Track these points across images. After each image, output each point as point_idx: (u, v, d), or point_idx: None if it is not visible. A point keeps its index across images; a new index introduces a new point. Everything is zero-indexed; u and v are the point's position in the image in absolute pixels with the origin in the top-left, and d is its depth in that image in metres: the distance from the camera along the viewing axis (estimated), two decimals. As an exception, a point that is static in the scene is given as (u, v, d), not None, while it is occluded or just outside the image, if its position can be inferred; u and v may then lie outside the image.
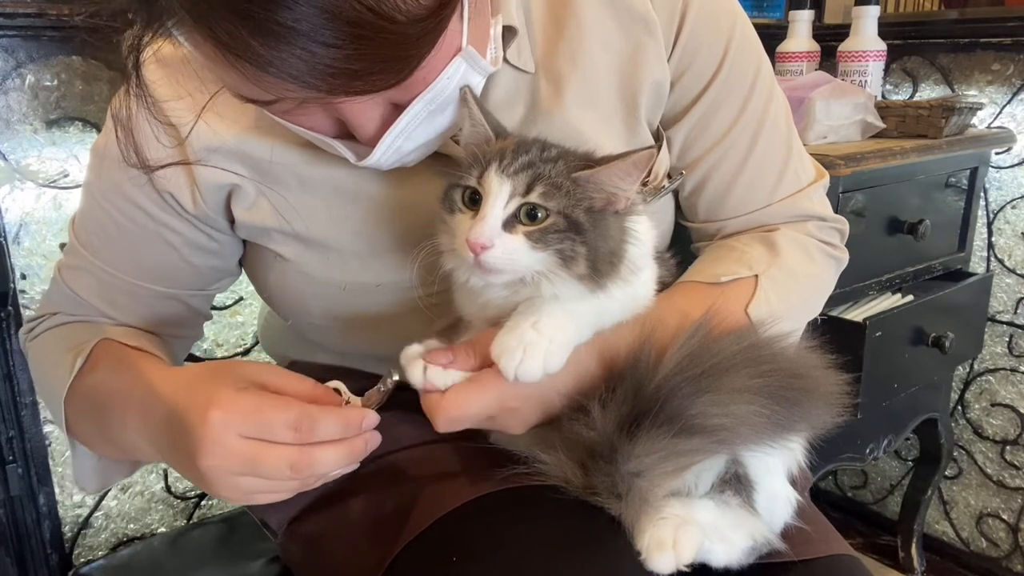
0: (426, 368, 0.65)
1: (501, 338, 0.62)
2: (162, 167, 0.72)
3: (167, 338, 0.86)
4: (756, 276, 0.76)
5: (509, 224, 0.61)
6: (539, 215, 0.61)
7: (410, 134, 0.64)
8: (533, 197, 0.61)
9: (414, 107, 0.62)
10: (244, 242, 0.84)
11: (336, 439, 0.61)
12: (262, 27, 0.48)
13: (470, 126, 0.66)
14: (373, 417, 0.63)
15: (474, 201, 0.62)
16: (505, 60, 0.73)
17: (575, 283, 0.63)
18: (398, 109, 0.63)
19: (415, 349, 0.67)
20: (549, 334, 0.62)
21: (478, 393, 0.64)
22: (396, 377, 0.66)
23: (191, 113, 0.71)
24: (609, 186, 0.63)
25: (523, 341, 0.61)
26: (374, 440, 0.64)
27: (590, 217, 0.62)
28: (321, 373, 0.71)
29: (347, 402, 0.66)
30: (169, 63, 0.70)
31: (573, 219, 0.62)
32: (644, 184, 0.78)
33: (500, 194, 0.61)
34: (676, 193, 0.86)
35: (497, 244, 0.60)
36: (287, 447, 0.59)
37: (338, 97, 0.54)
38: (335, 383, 0.67)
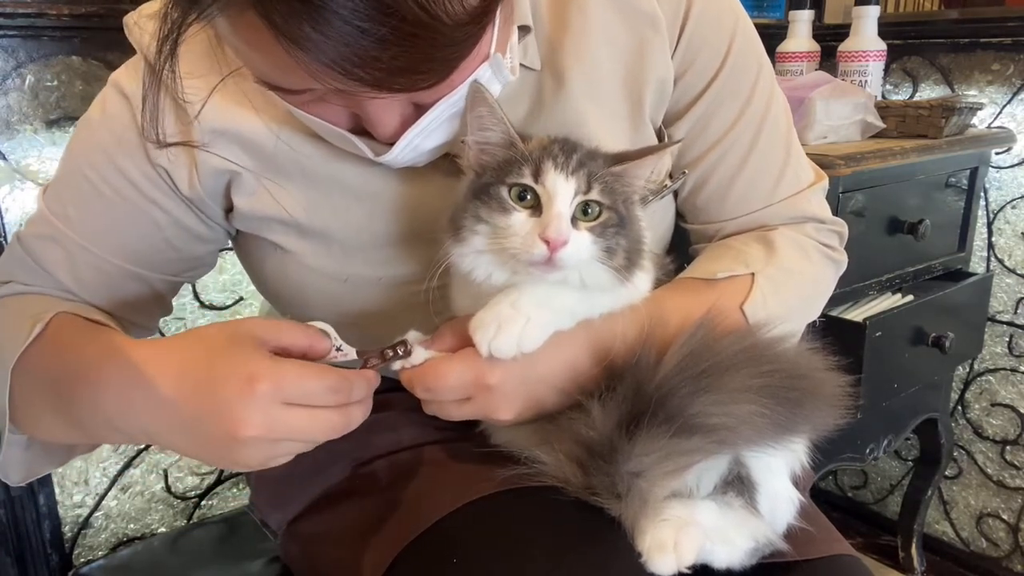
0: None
1: (479, 314, 0.65)
2: (173, 144, 0.72)
3: (124, 323, 0.81)
4: (752, 274, 0.77)
5: (572, 221, 0.63)
6: (592, 211, 0.64)
7: (429, 134, 0.66)
8: (594, 194, 0.64)
9: (438, 108, 0.63)
10: (235, 234, 0.83)
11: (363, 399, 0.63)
12: (318, 13, 0.49)
13: (483, 126, 0.66)
14: (378, 379, 0.65)
15: (523, 198, 0.63)
16: None
17: (610, 274, 0.65)
18: (418, 109, 0.64)
19: (412, 335, 0.69)
20: (527, 313, 0.64)
21: (455, 364, 0.66)
22: (411, 345, 0.67)
23: (202, 93, 0.70)
24: (636, 179, 0.67)
25: (499, 317, 0.63)
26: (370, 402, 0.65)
27: (626, 209, 0.66)
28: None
29: (338, 347, 0.66)
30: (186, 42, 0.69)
31: (620, 213, 0.65)
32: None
33: (566, 192, 0.63)
34: (675, 194, 0.86)
35: (571, 240, 0.62)
36: (330, 411, 0.60)
37: (379, 91, 0.55)
38: (321, 324, 0.67)
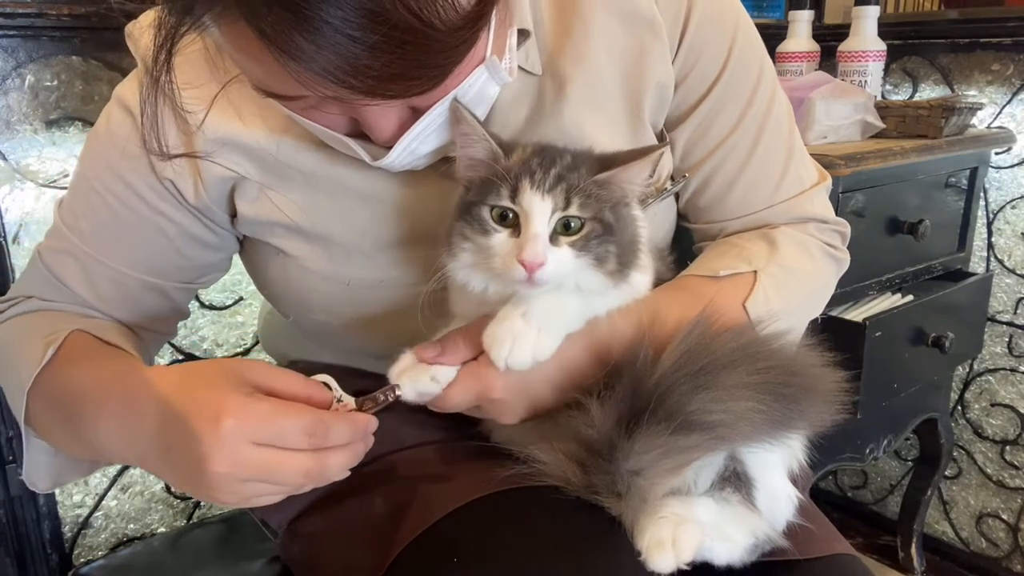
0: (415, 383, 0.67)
1: (492, 328, 0.65)
2: (177, 156, 0.72)
3: (142, 334, 0.83)
4: (755, 272, 0.77)
5: (552, 238, 0.63)
6: (575, 224, 0.63)
7: (425, 138, 0.65)
8: (572, 210, 0.63)
9: (433, 112, 0.63)
10: (241, 239, 0.83)
11: (344, 444, 0.61)
12: (309, 23, 0.49)
13: (467, 144, 0.66)
14: (375, 422, 0.64)
15: (504, 218, 0.63)
16: None
17: (603, 278, 0.65)
18: (415, 113, 0.63)
19: (405, 362, 0.68)
20: (537, 324, 0.64)
21: (459, 388, 0.67)
22: (399, 394, 0.66)
23: (202, 102, 0.71)
24: (627, 183, 0.66)
25: (512, 332, 0.64)
26: (370, 442, 0.65)
27: (614, 215, 0.65)
28: (322, 372, 0.71)
29: (339, 399, 0.66)
30: (185, 52, 0.69)
31: (605, 222, 0.64)
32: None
33: (543, 212, 0.62)
34: (677, 195, 0.86)
35: (549, 260, 0.62)
36: (302, 454, 0.59)
37: (372, 98, 0.55)
38: (323, 377, 0.67)
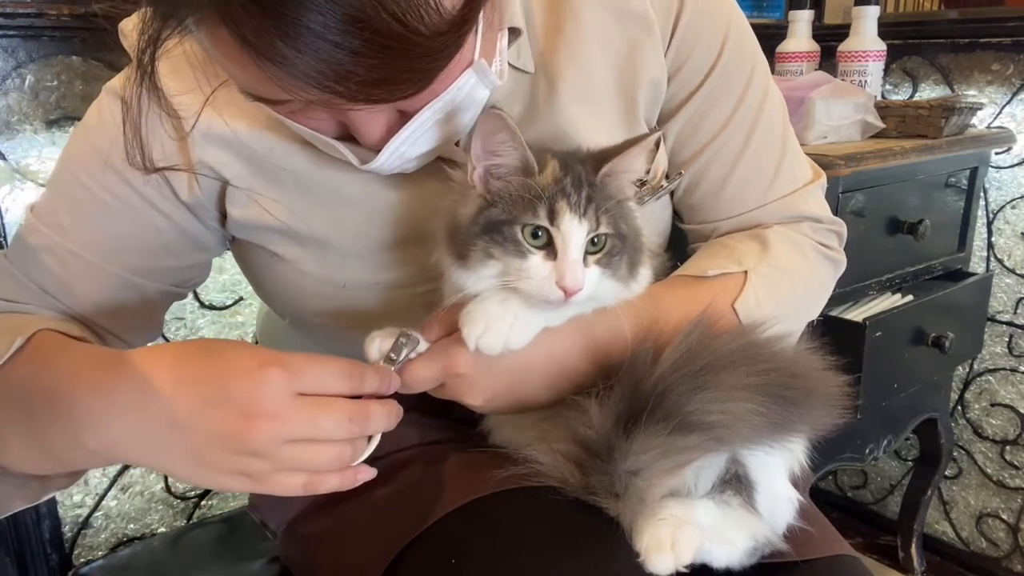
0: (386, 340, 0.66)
1: (469, 307, 0.64)
2: (162, 169, 0.71)
3: (112, 341, 0.80)
4: (745, 272, 0.76)
5: (584, 258, 0.63)
6: (599, 241, 0.64)
7: (415, 141, 0.65)
8: (602, 229, 0.64)
9: (422, 115, 0.62)
10: (232, 240, 0.83)
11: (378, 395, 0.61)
12: (290, 29, 0.48)
13: (499, 153, 0.64)
14: (397, 379, 0.64)
15: (535, 236, 0.63)
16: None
17: (617, 285, 0.66)
18: (404, 116, 0.63)
19: (376, 332, 0.68)
20: (515, 311, 0.64)
21: (424, 360, 0.66)
22: (415, 335, 0.65)
23: (193, 108, 0.70)
24: (627, 172, 0.67)
25: (488, 314, 0.63)
26: (399, 410, 0.63)
27: (622, 216, 0.65)
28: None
29: None
30: (174, 56, 0.69)
31: (621, 233, 0.65)
32: (642, 183, 0.79)
33: (580, 236, 0.63)
34: (672, 194, 0.86)
35: (586, 282, 0.62)
36: (344, 400, 0.58)
37: (356, 103, 0.54)
38: None
